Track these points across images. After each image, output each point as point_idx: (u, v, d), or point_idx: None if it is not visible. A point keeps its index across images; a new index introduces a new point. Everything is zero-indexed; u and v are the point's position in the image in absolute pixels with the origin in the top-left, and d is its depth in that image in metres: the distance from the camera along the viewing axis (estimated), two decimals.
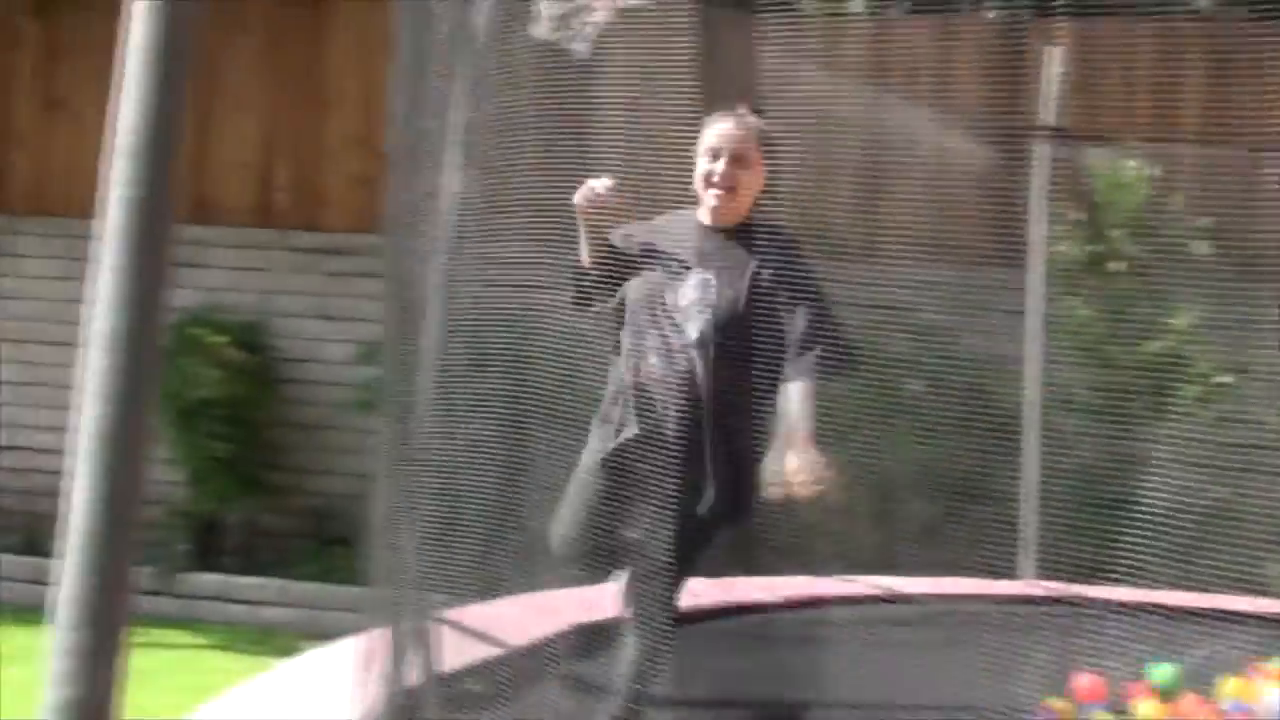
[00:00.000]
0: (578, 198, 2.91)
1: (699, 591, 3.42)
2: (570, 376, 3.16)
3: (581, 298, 3.02)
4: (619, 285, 2.96)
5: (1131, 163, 5.32)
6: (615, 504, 2.83)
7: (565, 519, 2.93)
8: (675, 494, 2.73)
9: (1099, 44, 5.53)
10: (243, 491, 6.94)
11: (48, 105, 7.39)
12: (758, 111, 3.07)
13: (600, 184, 2.91)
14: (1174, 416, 4.63)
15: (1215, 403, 4.87)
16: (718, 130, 2.99)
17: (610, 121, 3.13)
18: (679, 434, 2.79)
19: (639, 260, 2.97)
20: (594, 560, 2.93)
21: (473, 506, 3.03)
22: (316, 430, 7.06)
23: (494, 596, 3.11)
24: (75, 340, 6.29)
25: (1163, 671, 3.22)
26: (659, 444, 2.79)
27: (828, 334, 2.86)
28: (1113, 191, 5.31)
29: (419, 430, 2.85)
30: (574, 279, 3.02)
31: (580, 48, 3.36)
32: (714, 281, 2.90)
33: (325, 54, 7.19)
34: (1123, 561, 3.64)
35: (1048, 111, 4.72)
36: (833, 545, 3.94)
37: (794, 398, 2.79)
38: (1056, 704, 3.03)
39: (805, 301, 2.86)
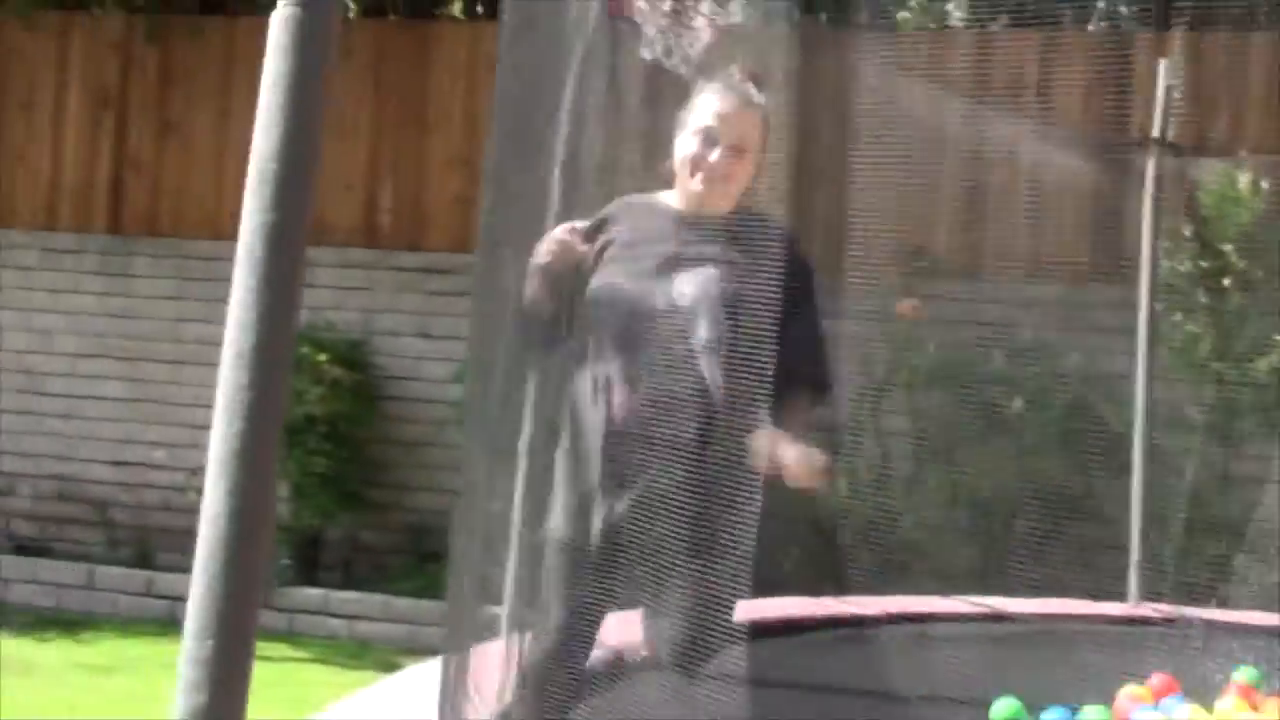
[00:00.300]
0: (544, 254, 2.50)
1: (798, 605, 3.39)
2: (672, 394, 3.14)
3: (552, 341, 2.51)
4: (587, 319, 2.47)
5: (1242, 176, 5.20)
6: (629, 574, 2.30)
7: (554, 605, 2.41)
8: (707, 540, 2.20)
9: (1210, 55, 5.42)
10: (343, 507, 7.04)
11: (161, 129, 7.59)
12: (757, 82, 2.60)
13: (563, 232, 2.51)
14: None
15: None
16: (718, 110, 2.54)
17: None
18: (699, 463, 2.26)
19: (606, 260, 2.51)
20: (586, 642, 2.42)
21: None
22: (416, 447, 7.14)
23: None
24: (185, 358, 6.46)
25: (1246, 672, 3.13)
26: (678, 482, 2.24)
27: (813, 361, 2.50)
28: (1223, 205, 5.19)
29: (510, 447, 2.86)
30: (537, 325, 2.51)
31: (686, 69, 3.37)
32: (715, 272, 2.45)
33: (429, 75, 7.30)
34: (1230, 582, 3.55)
35: (1158, 125, 4.63)
36: (935, 564, 3.89)
37: (790, 412, 2.39)
38: (1137, 691, 2.97)
39: (799, 321, 2.43)
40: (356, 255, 7.35)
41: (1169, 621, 3.79)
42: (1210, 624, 3.62)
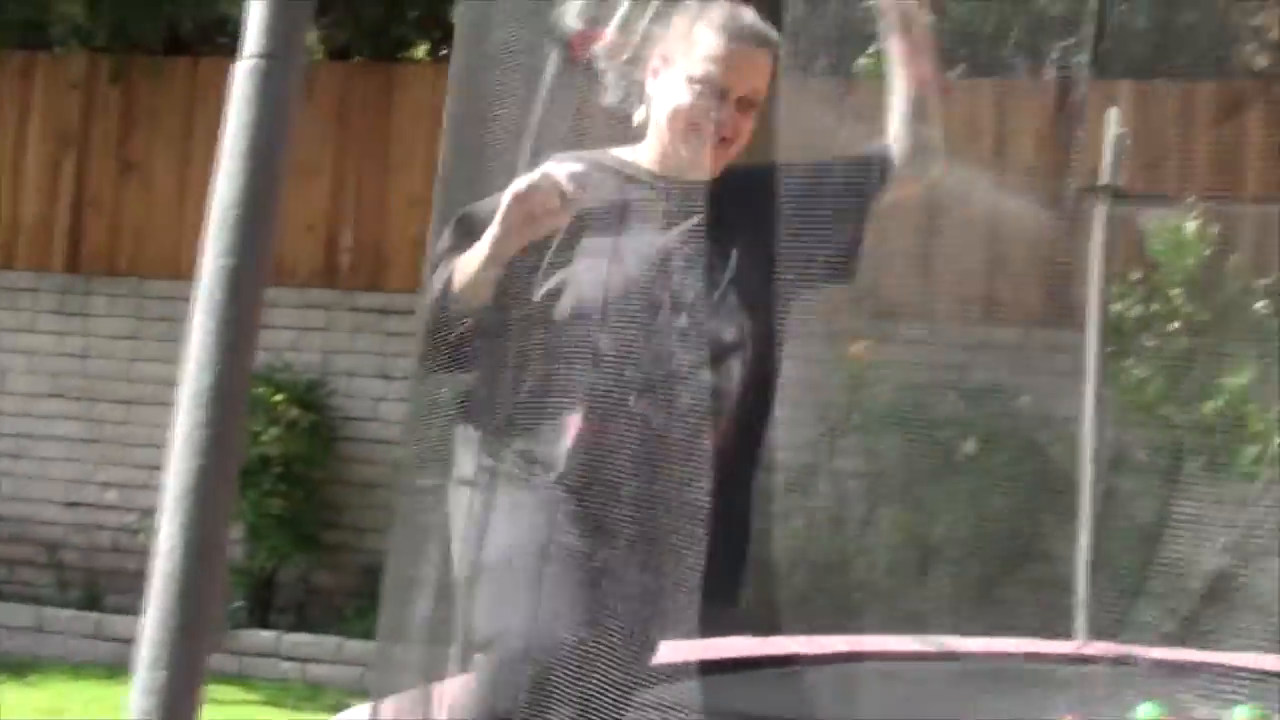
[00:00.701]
0: (524, 190, 1.89)
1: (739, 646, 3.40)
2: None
3: (449, 344, 1.95)
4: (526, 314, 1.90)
5: (1190, 222, 5.28)
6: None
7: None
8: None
9: (1158, 103, 5.52)
10: (298, 549, 7.00)
11: (122, 169, 7.58)
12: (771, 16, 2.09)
13: (565, 175, 1.91)
14: (1231, 478, 4.56)
15: (1274, 464, 4.79)
16: (732, 60, 2.00)
17: None
18: (723, 481, 1.83)
19: (569, 250, 1.92)
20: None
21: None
22: (372, 489, 7.12)
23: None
24: (140, 398, 6.42)
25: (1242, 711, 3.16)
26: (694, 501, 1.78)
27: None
28: (1171, 251, 5.28)
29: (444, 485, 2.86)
30: (439, 315, 1.97)
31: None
32: (732, 250, 1.94)
33: (392, 117, 7.34)
34: (1178, 621, 3.58)
35: (1106, 171, 4.71)
36: (884, 604, 3.91)
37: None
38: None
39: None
40: (316, 295, 7.35)
41: (1115, 661, 3.82)
42: (1157, 663, 3.65)
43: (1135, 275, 5.28)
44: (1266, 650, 3.93)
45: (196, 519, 1.42)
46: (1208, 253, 5.23)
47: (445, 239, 2.06)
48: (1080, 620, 4.25)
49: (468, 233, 2.03)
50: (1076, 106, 5.27)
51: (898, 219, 4.50)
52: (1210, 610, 4.06)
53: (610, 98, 2.99)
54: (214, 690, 7.14)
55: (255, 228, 1.51)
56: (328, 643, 6.72)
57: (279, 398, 6.92)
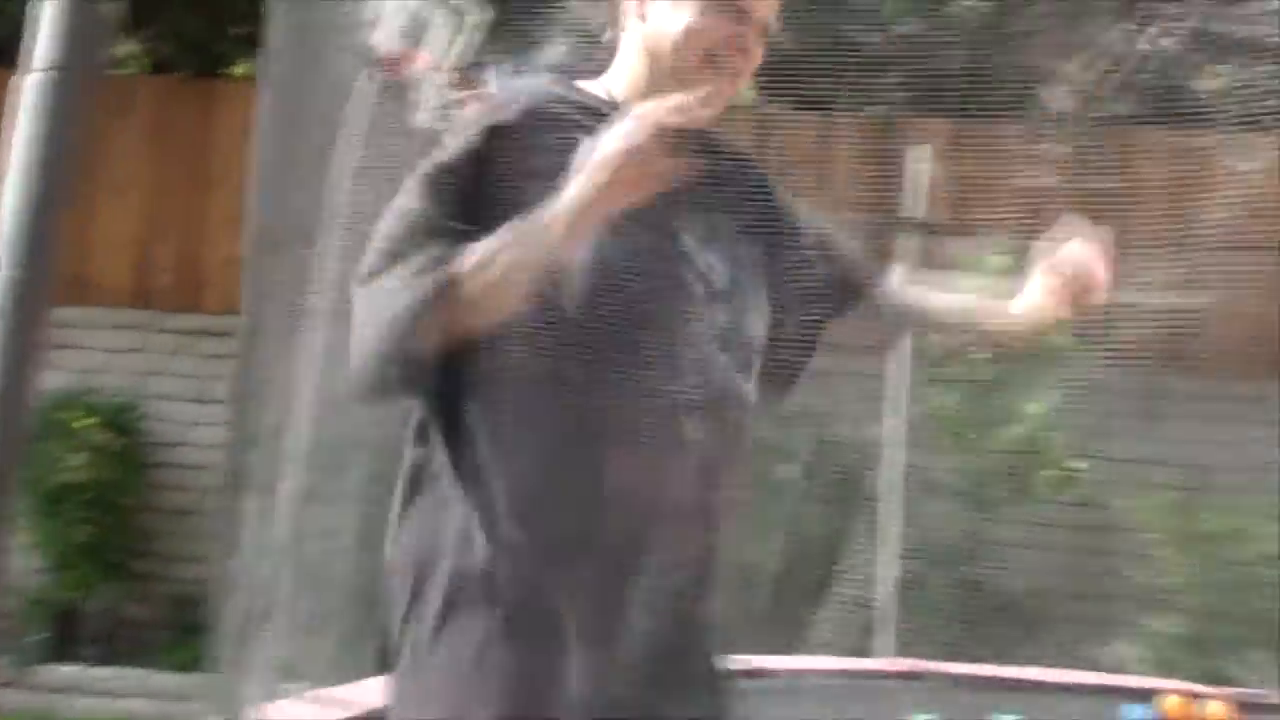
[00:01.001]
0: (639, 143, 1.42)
1: None
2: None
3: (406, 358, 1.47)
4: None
5: (997, 255, 5.47)
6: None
7: None
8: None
9: (967, 142, 5.72)
10: (105, 578, 6.75)
11: None
12: None
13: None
14: (1031, 500, 4.72)
15: (1070, 488, 4.99)
16: None
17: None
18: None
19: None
20: None
21: (336, 591, 2.99)
22: (184, 516, 6.92)
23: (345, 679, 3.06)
24: None
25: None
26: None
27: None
28: (975, 283, 5.46)
29: (276, 512, 2.82)
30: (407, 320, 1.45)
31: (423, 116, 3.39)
32: (713, 229, 1.60)
33: (212, 134, 7.18)
34: (979, 638, 3.70)
35: (915, 205, 4.87)
36: None
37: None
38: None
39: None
40: (129, 316, 7.14)
41: (919, 676, 3.92)
42: (959, 679, 3.76)
43: None
44: (1060, 666, 4.08)
45: None
46: (1013, 285, 5.42)
47: (402, 233, 1.46)
48: (885, 638, 4.36)
49: (459, 216, 1.44)
50: (890, 142, 5.44)
51: None
52: (1008, 627, 4.20)
53: (423, 117, 2.96)
54: None
55: (44, 241, 1.48)
56: (134, 676, 6.50)
57: (87, 421, 6.69)
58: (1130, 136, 5.39)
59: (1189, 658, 4.33)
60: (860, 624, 4.30)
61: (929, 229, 4.87)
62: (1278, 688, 3.97)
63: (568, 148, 1.45)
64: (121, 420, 6.88)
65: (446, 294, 1.40)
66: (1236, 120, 4.57)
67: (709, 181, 1.56)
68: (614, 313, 1.44)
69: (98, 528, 6.68)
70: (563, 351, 1.42)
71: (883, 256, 4.90)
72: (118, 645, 6.82)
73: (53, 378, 7.02)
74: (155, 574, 6.87)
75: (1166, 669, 4.25)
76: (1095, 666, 3.95)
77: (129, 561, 6.84)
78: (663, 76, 1.61)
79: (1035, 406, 5.02)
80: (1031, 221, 5.65)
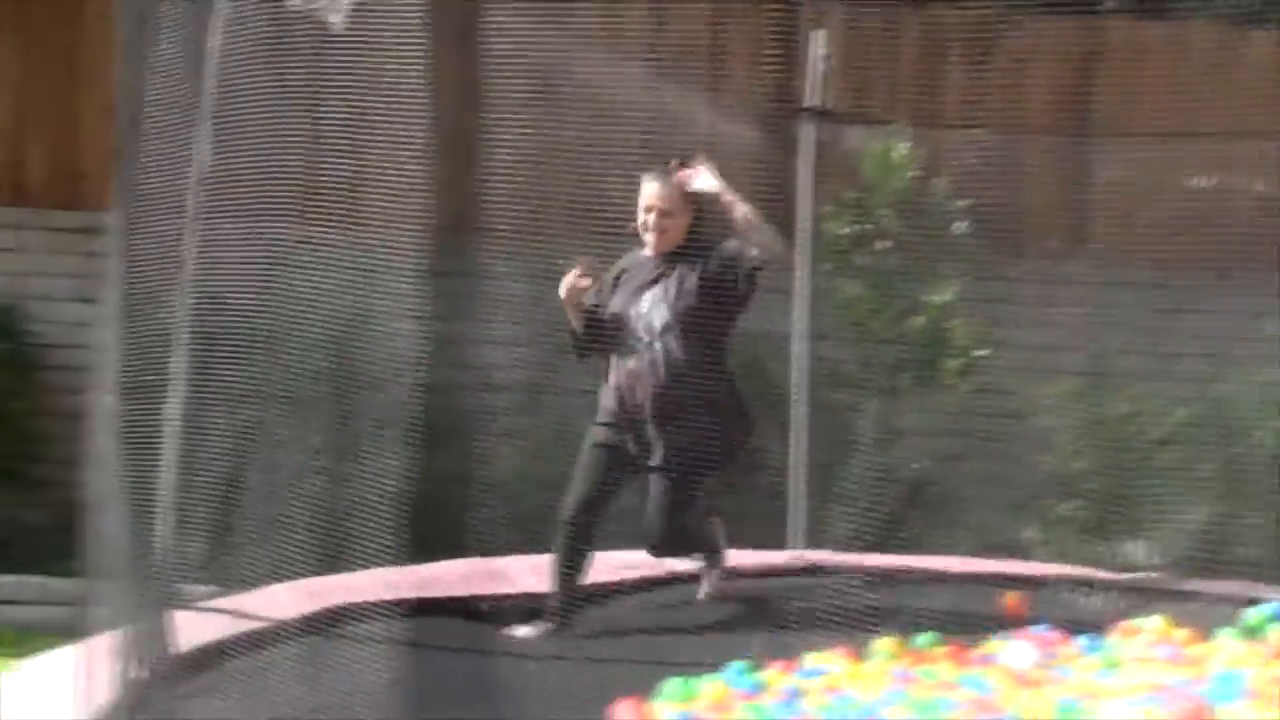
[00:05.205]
0: (562, 291, 3.91)
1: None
2: (313, 356, 3.08)
3: (582, 352, 4.03)
4: (601, 337, 3.92)
5: (898, 145, 5.47)
6: (612, 472, 3.85)
7: (574, 492, 3.84)
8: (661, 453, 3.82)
9: (865, 29, 5.67)
10: None
11: None
12: (685, 164, 3.97)
13: (576, 274, 3.88)
14: (936, 389, 4.77)
15: (973, 375, 5.06)
16: (648, 190, 3.98)
17: (350, 94, 3.04)
18: (655, 405, 3.86)
19: (610, 298, 3.97)
20: (595, 524, 3.81)
21: (215, 489, 2.93)
22: (78, 420, 6.72)
23: (247, 584, 3.02)
24: None
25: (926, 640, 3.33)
26: (640, 416, 3.86)
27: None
28: (880, 172, 5.45)
29: (151, 410, 2.74)
30: (573, 342, 4.01)
31: (335, 19, 3.26)
32: (661, 290, 3.95)
33: (79, 22, 6.85)
34: (887, 529, 3.75)
35: (811, 93, 4.82)
36: (609, 522, 3.96)
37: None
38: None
39: (722, 250, 3.92)
40: (3, 215, 6.85)
41: (826, 570, 3.99)
42: (868, 571, 3.83)
43: (848, 195, 5.44)
44: (962, 553, 4.17)
45: None
46: (913, 175, 5.44)
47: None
48: (795, 530, 4.42)
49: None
50: (788, 29, 5.37)
51: (612, 141, 4.51)
52: (914, 516, 4.27)
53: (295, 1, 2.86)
54: None
55: None
56: (30, 583, 6.37)
57: None
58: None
59: (1089, 541, 4.46)
60: (772, 515, 4.35)
61: (832, 118, 4.83)
62: (1173, 571, 4.11)
63: (627, 265, 4.14)
64: (3, 323, 6.65)
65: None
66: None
67: (670, 265, 4.02)
68: (613, 331, 4.00)
69: None
70: (603, 346, 4.03)
71: (785, 147, 4.88)
72: (13, 552, 6.67)
73: None
74: (50, 479, 6.69)
75: (1067, 554, 4.38)
76: (1003, 552, 4.04)
77: (23, 467, 6.66)
78: (644, 237, 4.08)
79: (938, 295, 5.07)
80: (930, 111, 5.65)
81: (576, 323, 3.96)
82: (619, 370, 3.93)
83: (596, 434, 3.93)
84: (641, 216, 3.97)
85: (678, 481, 3.80)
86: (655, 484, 3.82)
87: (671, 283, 3.92)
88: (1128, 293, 4.68)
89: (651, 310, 3.91)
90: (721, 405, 3.87)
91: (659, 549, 3.86)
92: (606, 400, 3.96)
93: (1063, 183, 5.39)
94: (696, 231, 3.97)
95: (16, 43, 6.83)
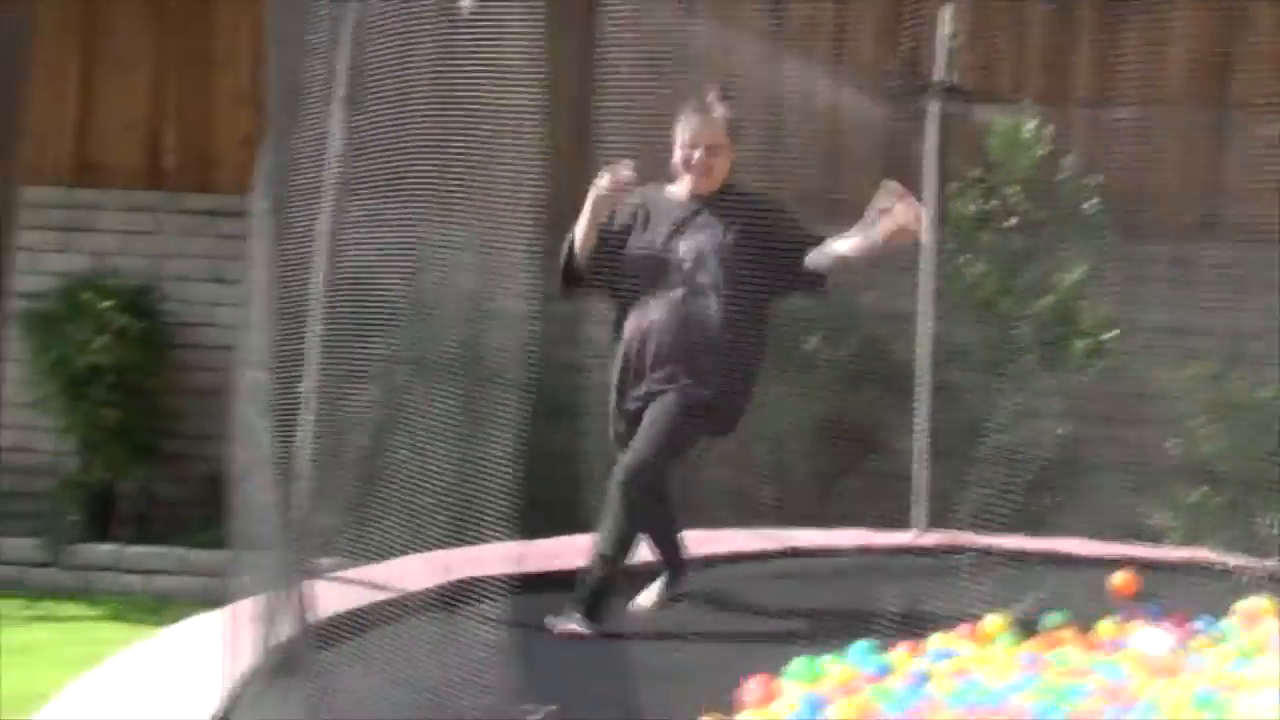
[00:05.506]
0: (602, 185, 3.42)
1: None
2: (458, 331, 3.12)
3: (570, 279, 3.52)
4: (605, 268, 3.48)
5: (1028, 121, 5.38)
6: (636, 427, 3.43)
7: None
8: (686, 403, 3.41)
9: (993, 3, 5.58)
10: (135, 460, 6.80)
11: None
12: (727, 98, 3.58)
13: (624, 170, 3.41)
14: (1064, 370, 4.69)
15: (1101, 357, 4.96)
16: (692, 126, 3.56)
17: (495, 79, 3.08)
18: (685, 351, 3.44)
19: (631, 233, 3.52)
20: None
21: (358, 464, 2.99)
22: (212, 396, 6.92)
23: (379, 555, 3.09)
24: None
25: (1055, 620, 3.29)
26: (666, 368, 3.44)
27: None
28: (1007, 150, 5.37)
29: (295, 389, 2.81)
30: (565, 262, 3.50)
31: (465, 3, 3.30)
32: (703, 240, 3.50)
33: (214, 9, 7.03)
34: (1012, 510, 3.70)
35: (941, 69, 4.75)
36: (728, 501, 3.96)
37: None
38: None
39: (790, 227, 3.52)
40: (141, 198, 7.07)
41: (952, 551, 3.95)
42: (991, 552, 3.78)
43: (974, 173, 5.37)
44: (1088, 536, 4.10)
45: None
46: (1043, 152, 5.34)
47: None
48: (918, 511, 4.38)
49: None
50: (915, 5, 5.30)
51: (743, 119, 4.51)
52: (1041, 498, 4.21)
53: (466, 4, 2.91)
54: (53, 607, 6.95)
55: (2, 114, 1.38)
56: (172, 554, 6.58)
57: (106, 304, 6.67)
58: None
59: (1221, 526, 4.36)
60: (895, 497, 4.32)
61: (960, 95, 4.76)
62: None
63: (656, 205, 3.62)
64: (141, 303, 6.86)
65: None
66: None
67: (709, 212, 3.57)
68: (639, 270, 3.56)
69: (125, 410, 6.71)
70: (628, 288, 3.56)
71: (911, 125, 4.82)
72: (151, 525, 6.90)
73: (68, 261, 7.00)
74: (186, 454, 6.91)
75: (1198, 537, 4.28)
76: (1129, 536, 3.97)
77: (159, 442, 6.88)
78: (680, 180, 3.62)
79: (1067, 275, 4.98)
80: (1059, 88, 5.54)
81: (586, 240, 3.46)
82: (639, 319, 3.45)
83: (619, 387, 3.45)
84: (683, 153, 3.53)
85: (672, 425, 3.36)
86: (647, 417, 3.38)
87: (714, 230, 3.47)
88: (1266, 271, 4.55)
89: (692, 260, 3.45)
90: (739, 374, 3.44)
91: (630, 488, 3.31)
92: (619, 360, 3.48)
93: (1197, 159, 5.25)
94: (734, 174, 3.56)
95: (152, 31, 7.03)
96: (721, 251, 3.45)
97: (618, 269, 3.48)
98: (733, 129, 3.55)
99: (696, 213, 3.51)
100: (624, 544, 3.32)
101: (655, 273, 3.46)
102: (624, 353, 3.48)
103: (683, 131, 3.56)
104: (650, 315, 3.44)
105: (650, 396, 3.42)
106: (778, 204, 3.60)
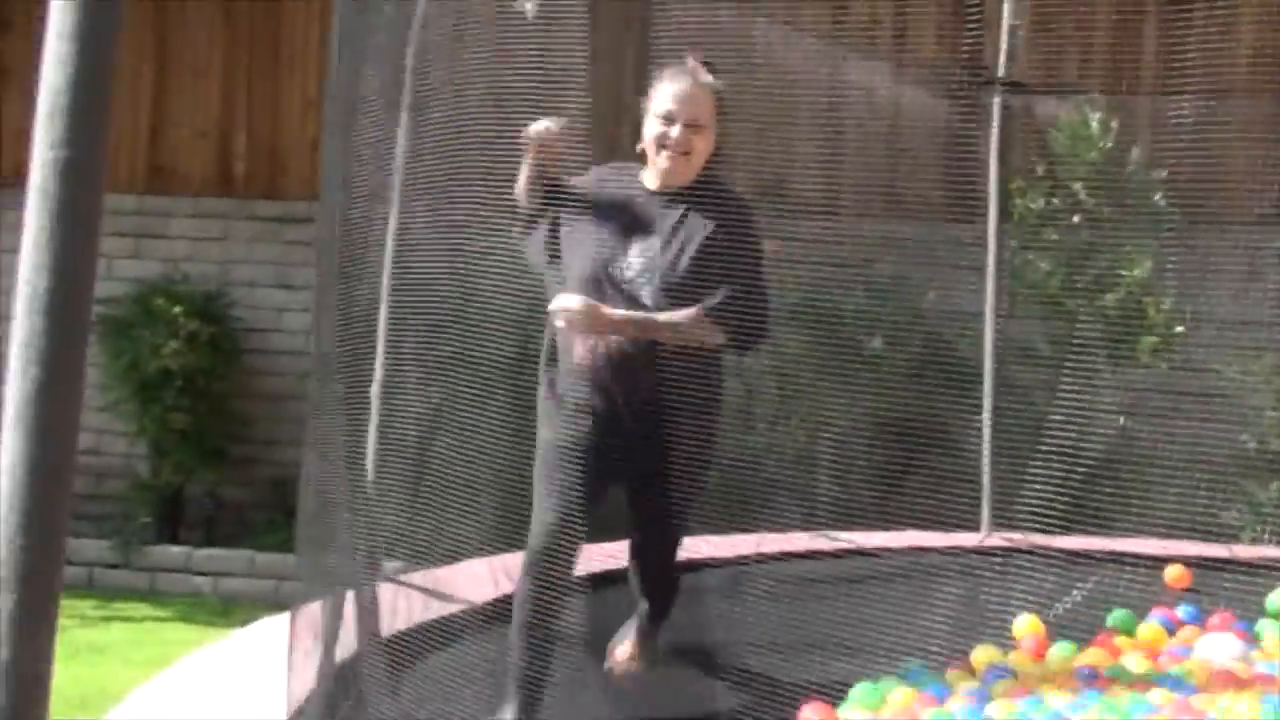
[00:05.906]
0: (531, 131, 2.83)
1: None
2: (518, 338, 3.14)
3: (526, 224, 2.97)
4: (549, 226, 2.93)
5: (1092, 114, 5.31)
6: (597, 481, 2.82)
7: (547, 507, 2.78)
8: (647, 465, 2.82)
9: None
10: (204, 463, 6.89)
11: None
12: (709, 67, 2.92)
13: (555, 123, 2.83)
14: (1132, 366, 4.62)
15: (1171, 352, 4.89)
16: (672, 93, 2.86)
17: (555, 81, 3.09)
18: (644, 404, 2.80)
19: (577, 224, 2.89)
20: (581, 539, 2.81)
21: (422, 470, 3.01)
22: (279, 400, 7.02)
23: (445, 561, 3.10)
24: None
25: (1119, 617, 3.25)
26: (627, 419, 2.80)
27: (754, 305, 2.86)
28: (1072, 144, 5.30)
29: (360, 394, 2.83)
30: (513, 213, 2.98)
31: (529, 7, 3.31)
32: (658, 249, 2.83)
33: (283, 16, 7.11)
34: (1080, 510, 3.66)
35: (1003, 63, 4.70)
36: (791, 501, 3.94)
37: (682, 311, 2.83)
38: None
39: (742, 274, 2.85)
40: (211, 205, 7.17)
41: (1020, 551, 3.90)
42: (1059, 552, 3.73)
43: (1038, 168, 5.30)
44: (1157, 535, 4.04)
45: (40, 432, 1.31)
46: (1108, 146, 5.27)
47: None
48: (984, 511, 4.33)
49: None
50: None
51: (803, 115, 4.46)
52: (1108, 496, 4.15)
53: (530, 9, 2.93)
54: (123, 608, 7.07)
55: (89, 116, 1.37)
56: (239, 557, 6.67)
57: (177, 309, 6.77)
58: None
59: None
60: (960, 497, 4.28)
61: (1022, 89, 4.71)
62: None
63: (611, 191, 2.98)
64: (210, 308, 6.96)
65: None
66: None
67: (677, 213, 2.92)
68: (582, 270, 2.91)
69: (194, 414, 6.81)
70: (567, 282, 2.94)
71: (974, 120, 4.77)
72: (220, 527, 6.99)
73: (138, 267, 7.11)
74: (254, 458, 7.00)
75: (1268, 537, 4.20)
76: (1200, 535, 3.91)
77: (227, 446, 6.97)
78: (651, 163, 2.96)
79: (1134, 270, 4.91)
80: (1123, 80, 5.46)
81: (528, 188, 2.85)
82: (595, 342, 2.81)
83: (563, 431, 2.80)
84: (659, 128, 2.84)
85: (679, 500, 2.80)
86: (652, 504, 2.83)
87: (675, 237, 2.80)
88: None
89: (640, 273, 2.80)
90: (709, 404, 2.86)
91: (658, 596, 2.91)
92: (570, 379, 2.83)
93: (1266, 150, 5.16)
94: (714, 162, 2.90)
95: (222, 38, 7.12)
96: (673, 275, 2.80)
97: (555, 258, 2.90)
98: (720, 106, 2.89)
99: (663, 208, 2.86)
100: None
101: (606, 288, 2.82)
102: (583, 377, 2.84)
103: (660, 100, 2.86)
104: (610, 343, 2.80)
105: (629, 452, 2.81)
106: (751, 221, 2.94)
